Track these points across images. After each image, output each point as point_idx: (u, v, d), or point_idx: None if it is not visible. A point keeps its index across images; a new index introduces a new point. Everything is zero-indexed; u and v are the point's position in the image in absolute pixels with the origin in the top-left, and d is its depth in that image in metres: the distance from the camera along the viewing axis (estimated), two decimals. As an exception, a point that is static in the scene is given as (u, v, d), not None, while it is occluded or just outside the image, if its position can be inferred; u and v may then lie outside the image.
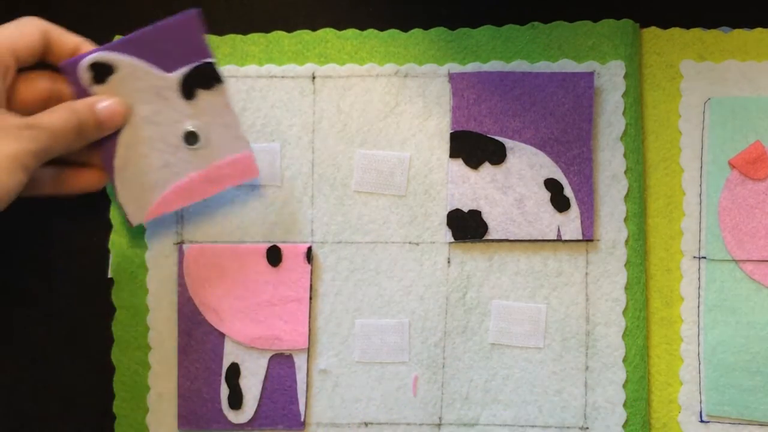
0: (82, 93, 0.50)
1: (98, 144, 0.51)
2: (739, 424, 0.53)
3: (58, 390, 0.55)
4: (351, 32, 0.56)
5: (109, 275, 0.55)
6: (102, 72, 0.50)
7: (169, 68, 0.50)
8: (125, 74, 0.50)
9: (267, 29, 0.56)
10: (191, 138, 0.51)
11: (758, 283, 0.53)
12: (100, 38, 0.56)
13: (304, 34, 0.56)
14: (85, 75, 0.50)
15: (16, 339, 0.56)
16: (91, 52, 0.50)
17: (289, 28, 0.56)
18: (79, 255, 0.56)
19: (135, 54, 0.50)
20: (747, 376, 0.52)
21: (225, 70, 0.55)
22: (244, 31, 0.56)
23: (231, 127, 0.51)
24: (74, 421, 0.55)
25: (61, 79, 0.51)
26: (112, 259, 0.55)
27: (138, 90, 0.51)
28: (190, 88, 0.51)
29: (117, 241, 0.55)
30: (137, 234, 0.55)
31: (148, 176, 0.51)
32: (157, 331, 0.54)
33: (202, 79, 0.51)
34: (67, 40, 0.50)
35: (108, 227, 0.55)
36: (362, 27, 0.56)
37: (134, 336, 0.55)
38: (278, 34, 0.56)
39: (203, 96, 0.51)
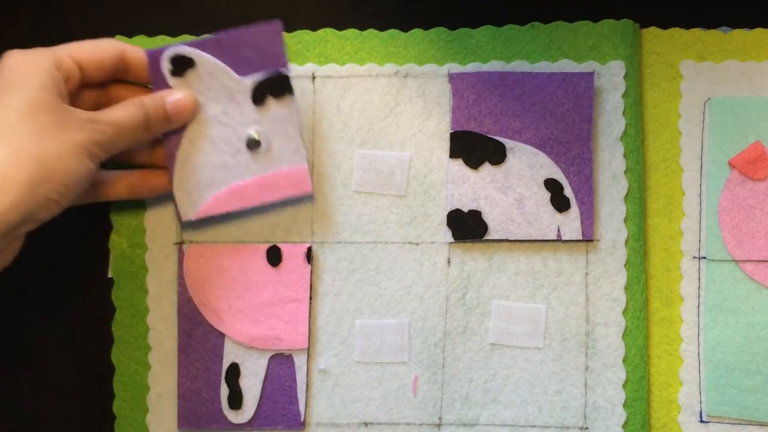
0: (160, 82, 0.52)
1: (165, 135, 0.52)
2: (739, 424, 0.53)
3: (58, 390, 0.55)
4: (351, 32, 0.56)
5: (109, 275, 0.55)
6: (182, 65, 0.52)
7: (244, 73, 0.52)
8: (203, 72, 0.52)
9: (267, 29, 0.56)
10: (253, 143, 0.52)
11: (758, 283, 0.53)
12: (100, 38, 0.56)
13: (304, 34, 0.56)
14: (166, 66, 0.51)
15: (16, 339, 0.56)
16: (175, 45, 0.51)
17: (289, 28, 0.56)
18: (79, 255, 0.56)
19: (215, 54, 0.52)
20: (747, 376, 0.52)
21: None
22: (244, 32, 0.56)
23: (292, 138, 0.52)
24: (74, 421, 0.55)
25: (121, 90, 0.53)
26: (112, 260, 0.55)
27: (211, 88, 0.52)
28: (261, 94, 0.52)
29: (117, 241, 0.55)
30: (137, 234, 0.55)
31: (205, 174, 0.52)
32: (157, 331, 0.54)
33: (275, 87, 0.52)
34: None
35: (108, 227, 0.55)
36: (362, 27, 0.56)
37: (134, 336, 0.55)
38: (278, 34, 0.56)
39: (272, 104, 0.52)
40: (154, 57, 0.52)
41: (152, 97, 0.51)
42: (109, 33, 0.55)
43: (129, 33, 0.56)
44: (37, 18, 0.57)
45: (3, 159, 0.44)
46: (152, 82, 0.52)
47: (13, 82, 0.46)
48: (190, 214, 0.53)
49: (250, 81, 0.52)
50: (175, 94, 0.51)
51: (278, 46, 0.52)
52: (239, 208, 0.53)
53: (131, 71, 0.52)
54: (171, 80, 0.52)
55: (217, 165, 0.52)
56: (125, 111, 0.49)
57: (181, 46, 0.52)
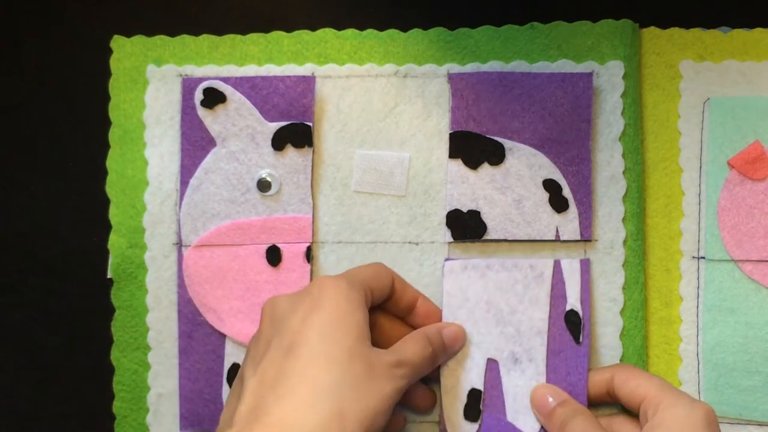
0: (190, 109, 0.54)
1: (182, 163, 0.54)
2: (738, 424, 0.53)
3: (58, 390, 0.56)
4: (350, 32, 0.56)
5: (109, 275, 0.55)
6: (213, 98, 0.54)
7: (270, 117, 0.54)
8: (231, 108, 0.54)
9: (266, 29, 0.56)
10: (264, 186, 0.54)
11: (757, 283, 0.53)
12: (100, 38, 0.56)
13: (304, 35, 0.56)
14: (198, 95, 0.54)
15: (16, 339, 0.56)
16: (212, 79, 0.54)
17: (289, 28, 0.56)
18: (79, 255, 0.56)
19: (247, 94, 0.54)
20: (746, 376, 0.52)
21: (224, 70, 0.55)
22: (244, 31, 0.56)
23: (302, 188, 0.54)
24: (74, 421, 0.56)
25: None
26: (112, 260, 0.55)
27: (236, 125, 0.54)
28: (281, 141, 0.54)
29: (117, 241, 0.55)
30: (137, 234, 0.55)
31: (212, 204, 0.54)
32: (157, 331, 0.54)
33: (296, 137, 0.54)
34: (407, 291, 0.52)
35: (108, 227, 0.55)
36: (362, 27, 0.56)
37: (134, 336, 0.55)
38: (278, 34, 0.56)
39: (290, 152, 0.54)
40: (189, 85, 0.54)
41: (433, 330, 0.50)
42: (109, 33, 0.55)
43: (129, 33, 0.56)
44: (37, 18, 0.57)
45: (328, 421, 0.41)
46: (183, 108, 0.54)
47: (334, 324, 0.44)
48: (192, 239, 0.54)
49: (274, 126, 0.54)
50: (450, 326, 0.51)
51: (308, 100, 0.54)
52: (238, 243, 0.54)
53: (393, 299, 0.51)
54: (200, 110, 0.54)
55: (225, 198, 0.54)
56: (418, 347, 0.48)
57: (217, 80, 0.54)
